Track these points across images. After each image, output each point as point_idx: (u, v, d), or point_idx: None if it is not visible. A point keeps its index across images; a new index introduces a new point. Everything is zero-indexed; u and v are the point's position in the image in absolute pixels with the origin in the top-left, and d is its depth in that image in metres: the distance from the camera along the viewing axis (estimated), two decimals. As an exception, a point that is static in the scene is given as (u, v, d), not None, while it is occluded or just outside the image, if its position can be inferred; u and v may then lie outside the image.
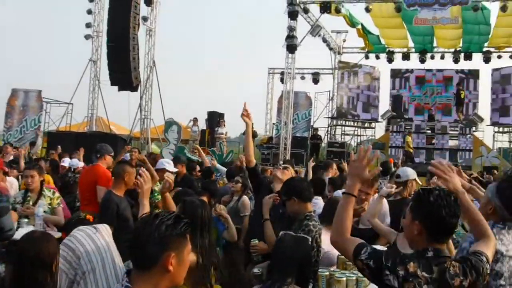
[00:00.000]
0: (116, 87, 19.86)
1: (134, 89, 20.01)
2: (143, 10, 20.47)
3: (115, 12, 19.11)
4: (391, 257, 2.50)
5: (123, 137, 19.33)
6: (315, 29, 21.60)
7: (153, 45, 21.41)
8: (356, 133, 27.94)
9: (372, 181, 5.35)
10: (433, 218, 2.53)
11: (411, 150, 21.08)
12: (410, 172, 6.19)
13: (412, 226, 2.60)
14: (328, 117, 27.47)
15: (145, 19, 20.63)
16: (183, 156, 11.60)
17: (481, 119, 24.18)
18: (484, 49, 25.94)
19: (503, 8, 19.72)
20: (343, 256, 3.74)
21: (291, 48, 20.32)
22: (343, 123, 27.71)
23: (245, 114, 5.50)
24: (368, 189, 5.22)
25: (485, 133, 24.93)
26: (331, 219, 2.87)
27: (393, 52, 27.26)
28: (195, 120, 22.73)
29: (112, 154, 7.09)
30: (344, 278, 3.72)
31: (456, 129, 23.02)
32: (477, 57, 26.21)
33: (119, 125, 24.59)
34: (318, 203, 5.97)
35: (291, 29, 20.03)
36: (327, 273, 3.82)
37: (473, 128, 23.10)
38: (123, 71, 19.09)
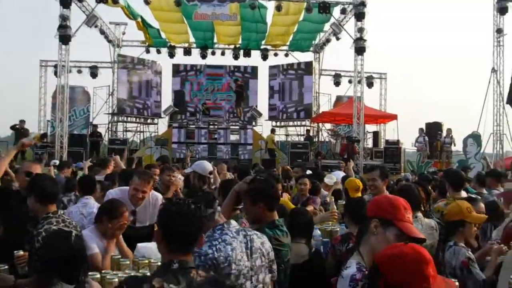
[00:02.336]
0: None
1: None
2: None
3: None
4: (133, 283, 2.43)
5: None
6: (90, 20, 20.29)
7: None
8: (138, 129, 27.40)
9: (149, 178, 5.16)
10: (169, 228, 2.50)
11: (274, 148, 21.78)
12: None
13: (157, 236, 2.57)
14: (109, 113, 26.50)
15: None
16: None
17: (260, 114, 25.21)
18: (262, 47, 27.19)
19: (278, 8, 20.69)
20: (118, 256, 3.89)
21: (65, 39, 18.84)
22: (125, 119, 26.82)
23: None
24: (144, 186, 5.03)
25: (264, 127, 25.99)
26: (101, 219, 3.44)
27: (174, 47, 27.15)
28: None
29: None
30: (116, 279, 3.52)
31: (237, 124, 23.61)
32: (256, 54, 27.51)
33: None
34: (89, 202, 5.73)
35: (63, 18, 18.61)
36: (98, 276, 3.54)
37: (253, 123, 23.89)
38: None
